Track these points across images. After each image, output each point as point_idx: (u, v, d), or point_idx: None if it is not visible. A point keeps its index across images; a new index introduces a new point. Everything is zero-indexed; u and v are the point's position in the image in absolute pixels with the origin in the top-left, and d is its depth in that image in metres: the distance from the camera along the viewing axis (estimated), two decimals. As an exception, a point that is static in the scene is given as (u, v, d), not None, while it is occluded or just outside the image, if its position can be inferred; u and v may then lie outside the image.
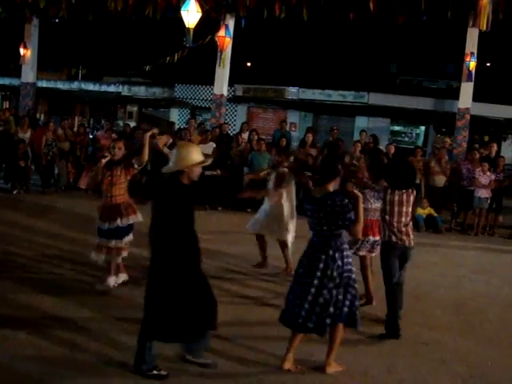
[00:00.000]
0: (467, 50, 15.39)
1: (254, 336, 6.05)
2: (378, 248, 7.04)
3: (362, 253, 7.30)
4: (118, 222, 7.04)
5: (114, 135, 14.69)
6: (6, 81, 31.72)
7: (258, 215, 8.53)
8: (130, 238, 7.26)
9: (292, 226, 8.39)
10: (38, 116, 22.89)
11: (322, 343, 5.42)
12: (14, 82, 27.71)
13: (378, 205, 6.86)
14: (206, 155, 5.27)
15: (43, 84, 28.75)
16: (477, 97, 16.22)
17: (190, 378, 5.05)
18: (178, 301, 4.89)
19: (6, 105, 31.86)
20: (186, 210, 4.96)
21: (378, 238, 7.11)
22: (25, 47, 20.19)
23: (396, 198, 6.30)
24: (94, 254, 7.18)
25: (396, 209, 6.30)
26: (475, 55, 15.32)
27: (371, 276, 7.43)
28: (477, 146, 14.78)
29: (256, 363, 5.40)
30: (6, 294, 6.71)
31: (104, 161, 6.98)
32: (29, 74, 20.77)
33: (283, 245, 8.43)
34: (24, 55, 20.29)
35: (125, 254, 7.27)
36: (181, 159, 4.98)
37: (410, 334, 6.47)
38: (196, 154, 5.06)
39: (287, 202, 8.34)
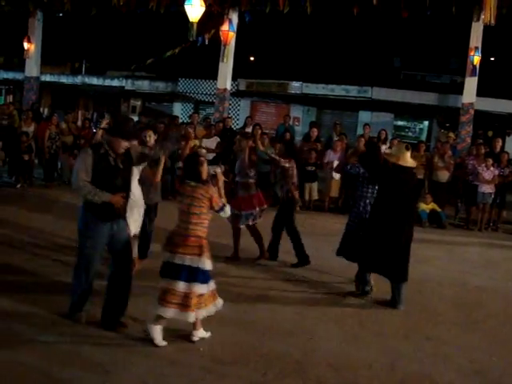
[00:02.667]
0: (471, 45, 15.33)
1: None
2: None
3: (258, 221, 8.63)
4: (193, 260, 5.54)
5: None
6: (10, 75, 31.73)
7: None
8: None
9: (138, 217, 7.42)
10: (41, 110, 22.90)
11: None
12: (18, 76, 27.69)
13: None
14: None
15: (47, 78, 28.77)
16: (481, 92, 16.17)
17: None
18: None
19: (10, 99, 31.88)
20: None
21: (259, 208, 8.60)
22: (29, 41, 20.17)
23: None
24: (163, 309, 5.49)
25: None
26: (479, 50, 15.26)
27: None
28: (481, 141, 14.73)
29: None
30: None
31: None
32: (33, 68, 20.75)
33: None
34: (28, 49, 20.26)
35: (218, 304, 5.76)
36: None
37: (414, 329, 6.48)
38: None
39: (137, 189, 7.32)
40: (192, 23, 13.16)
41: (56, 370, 4.93)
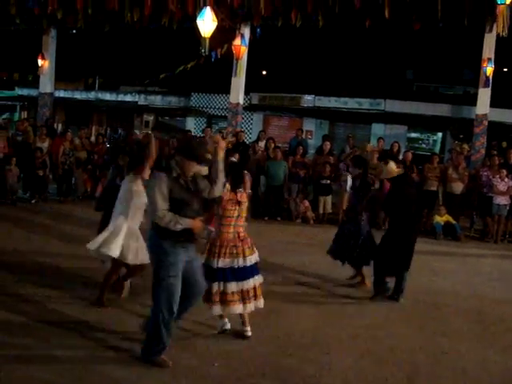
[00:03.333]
0: (484, 56, 15.28)
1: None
2: None
3: None
4: (254, 257, 6.12)
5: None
6: (25, 91, 32.05)
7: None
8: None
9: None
10: (55, 126, 23.07)
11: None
12: (33, 92, 27.98)
13: None
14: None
15: (61, 94, 29.03)
16: (494, 102, 16.09)
17: None
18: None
19: (25, 115, 32.15)
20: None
21: None
22: (43, 58, 20.38)
23: None
24: (218, 307, 5.93)
25: None
26: (492, 61, 15.21)
27: None
28: (495, 152, 14.62)
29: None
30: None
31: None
32: (47, 85, 20.95)
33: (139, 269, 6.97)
34: (42, 66, 20.48)
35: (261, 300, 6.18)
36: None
37: (430, 343, 6.41)
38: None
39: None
40: (204, 38, 13.24)
41: (71, 386, 4.93)
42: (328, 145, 14.73)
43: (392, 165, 7.91)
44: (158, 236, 5.32)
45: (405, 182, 7.98)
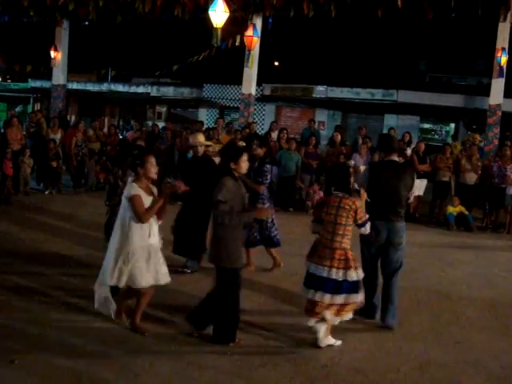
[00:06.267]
0: (498, 46, 15.17)
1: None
2: None
3: None
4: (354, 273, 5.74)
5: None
6: (38, 83, 32.18)
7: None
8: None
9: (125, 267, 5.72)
10: (68, 117, 23.18)
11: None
12: (45, 84, 28.09)
13: None
14: None
15: (73, 86, 29.15)
16: (508, 93, 15.98)
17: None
18: None
19: (38, 107, 32.30)
20: None
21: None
22: (55, 50, 20.47)
23: None
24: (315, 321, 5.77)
25: None
26: (506, 50, 15.10)
27: None
28: (509, 142, 14.52)
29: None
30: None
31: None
32: (59, 76, 21.05)
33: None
34: (55, 58, 20.56)
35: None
36: None
37: (443, 334, 6.42)
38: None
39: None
40: (216, 29, 13.23)
41: (86, 372, 4.99)
42: (338, 135, 14.64)
43: (197, 136, 8.36)
44: None
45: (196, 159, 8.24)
